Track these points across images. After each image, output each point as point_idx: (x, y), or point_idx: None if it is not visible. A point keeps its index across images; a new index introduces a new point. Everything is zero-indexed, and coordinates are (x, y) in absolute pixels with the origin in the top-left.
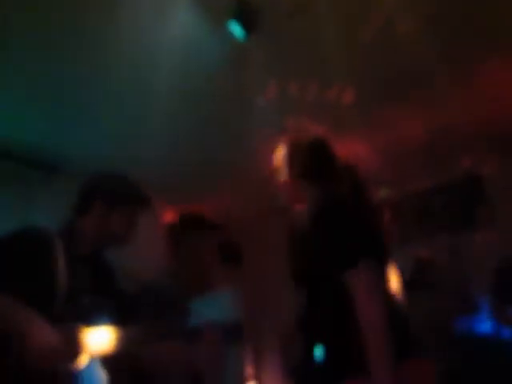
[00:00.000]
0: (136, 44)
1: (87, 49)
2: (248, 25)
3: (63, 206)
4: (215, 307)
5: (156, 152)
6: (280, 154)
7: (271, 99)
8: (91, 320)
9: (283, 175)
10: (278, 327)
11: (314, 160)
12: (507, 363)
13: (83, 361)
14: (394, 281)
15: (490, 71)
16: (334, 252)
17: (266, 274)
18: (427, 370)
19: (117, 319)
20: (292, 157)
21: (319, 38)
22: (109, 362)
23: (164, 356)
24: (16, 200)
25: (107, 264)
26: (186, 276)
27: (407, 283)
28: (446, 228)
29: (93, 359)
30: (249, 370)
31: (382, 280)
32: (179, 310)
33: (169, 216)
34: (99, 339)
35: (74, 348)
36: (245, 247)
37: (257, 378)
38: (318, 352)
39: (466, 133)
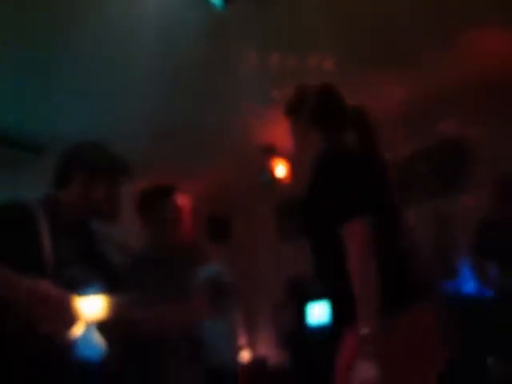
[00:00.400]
0: (114, 17)
1: (65, 23)
2: None
3: (50, 186)
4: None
5: (140, 127)
6: (288, 102)
7: (253, 69)
8: (81, 290)
9: (291, 123)
10: (269, 296)
11: (321, 105)
12: (491, 322)
13: (78, 328)
14: (399, 232)
15: (475, 32)
16: (332, 204)
17: (254, 247)
18: (428, 318)
19: (106, 288)
20: (299, 103)
21: (299, 4)
22: (104, 328)
23: (157, 319)
24: (2, 181)
25: (94, 235)
26: (165, 244)
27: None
28: (431, 194)
29: (89, 326)
30: (242, 338)
31: (383, 232)
32: (167, 277)
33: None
34: (92, 307)
35: (69, 316)
36: (234, 221)
37: (251, 346)
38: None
39: (450, 96)
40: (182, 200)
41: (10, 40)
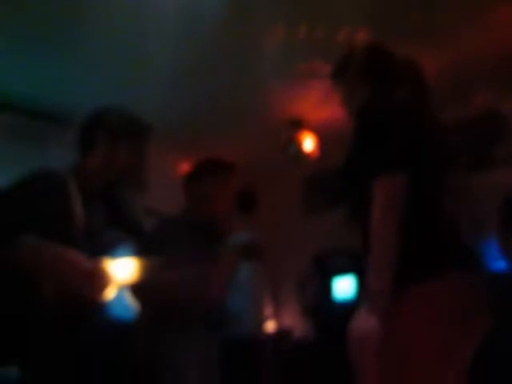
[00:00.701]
0: None
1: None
2: None
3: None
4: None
5: (166, 101)
6: (335, 65)
7: (280, 43)
8: (112, 254)
9: (339, 85)
10: (294, 269)
11: (369, 60)
12: None
13: (110, 292)
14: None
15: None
16: (365, 158)
17: (280, 220)
18: (466, 285)
19: (137, 251)
20: (347, 62)
21: None
22: (136, 290)
23: (185, 280)
24: (29, 153)
25: (123, 199)
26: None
27: None
28: (462, 168)
29: (121, 289)
30: (268, 309)
31: (423, 191)
32: (198, 242)
33: (184, 167)
34: (123, 270)
35: (100, 280)
36: (260, 194)
37: (276, 317)
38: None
39: (482, 69)
40: (233, 178)
41: (35, 14)
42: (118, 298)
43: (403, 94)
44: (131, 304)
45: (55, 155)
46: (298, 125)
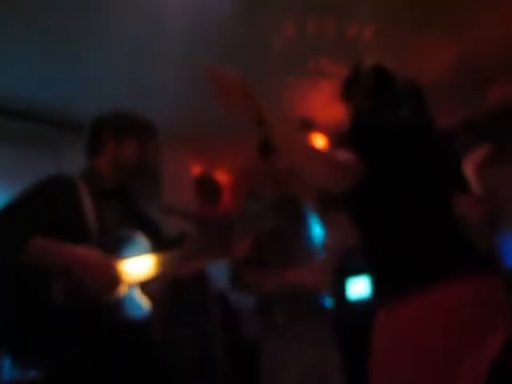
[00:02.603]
0: None
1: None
2: None
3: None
4: None
5: (177, 104)
6: (341, 87)
7: (290, 41)
8: (124, 251)
9: (347, 99)
10: None
11: (373, 86)
12: None
13: (123, 289)
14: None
15: None
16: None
17: None
18: (491, 286)
19: (152, 247)
20: (355, 79)
21: None
22: (150, 286)
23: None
24: (44, 161)
25: (134, 197)
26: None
27: None
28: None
29: (133, 286)
30: None
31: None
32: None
33: (196, 168)
34: (136, 267)
35: (112, 278)
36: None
37: None
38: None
39: (495, 60)
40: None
41: (47, 22)
42: (130, 296)
43: (405, 113)
44: (143, 302)
45: (70, 162)
46: (308, 125)
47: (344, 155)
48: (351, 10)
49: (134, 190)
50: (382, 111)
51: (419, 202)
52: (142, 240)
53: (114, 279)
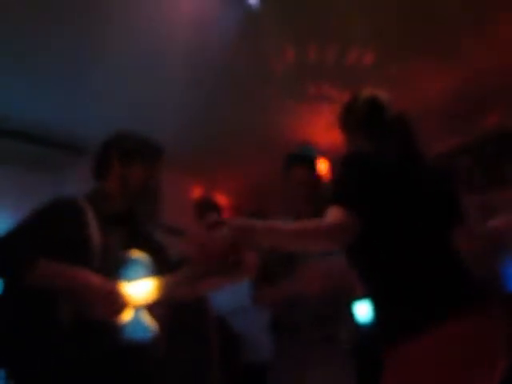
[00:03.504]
0: (148, 17)
1: (99, 23)
2: None
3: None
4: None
5: (177, 127)
6: (339, 116)
7: (290, 66)
8: (130, 274)
9: (343, 127)
10: None
11: (366, 116)
12: None
13: (128, 313)
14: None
15: None
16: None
17: None
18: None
19: (156, 271)
20: (350, 109)
21: None
22: (154, 309)
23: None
24: (44, 183)
25: (141, 221)
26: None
27: None
28: (476, 187)
29: (138, 309)
30: None
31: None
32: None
33: (196, 191)
34: (141, 290)
35: (115, 302)
36: (272, 216)
37: None
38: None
39: (492, 87)
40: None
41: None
42: (135, 319)
43: (393, 144)
44: (149, 324)
45: (71, 184)
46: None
47: (336, 213)
48: (351, 36)
49: (139, 211)
50: (374, 143)
51: (416, 240)
52: (146, 262)
53: (118, 303)
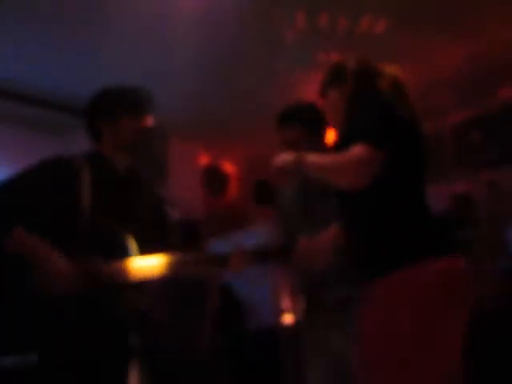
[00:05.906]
0: None
1: None
2: None
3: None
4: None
5: (188, 92)
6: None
7: (301, 33)
8: (120, 247)
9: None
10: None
11: (359, 76)
12: None
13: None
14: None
15: None
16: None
17: None
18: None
19: (147, 245)
20: (340, 73)
21: None
22: (147, 286)
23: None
24: (54, 146)
25: (141, 190)
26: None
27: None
28: (484, 162)
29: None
30: (286, 302)
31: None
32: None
33: (204, 159)
34: (136, 266)
35: (86, 279)
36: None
37: (294, 311)
38: None
39: (505, 60)
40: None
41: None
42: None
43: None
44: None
45: (81, 148)
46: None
47: (358, 150)
48: (364, 3)
49: (141, 173)
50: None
51: (420, 188)
52: (133, 242)
53: (68, 280)
